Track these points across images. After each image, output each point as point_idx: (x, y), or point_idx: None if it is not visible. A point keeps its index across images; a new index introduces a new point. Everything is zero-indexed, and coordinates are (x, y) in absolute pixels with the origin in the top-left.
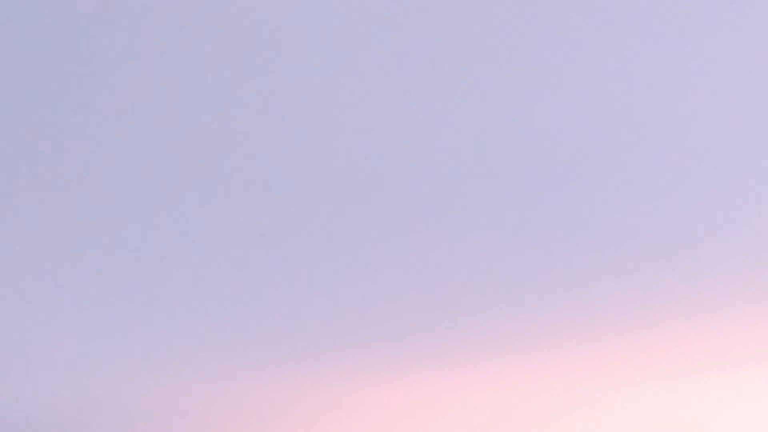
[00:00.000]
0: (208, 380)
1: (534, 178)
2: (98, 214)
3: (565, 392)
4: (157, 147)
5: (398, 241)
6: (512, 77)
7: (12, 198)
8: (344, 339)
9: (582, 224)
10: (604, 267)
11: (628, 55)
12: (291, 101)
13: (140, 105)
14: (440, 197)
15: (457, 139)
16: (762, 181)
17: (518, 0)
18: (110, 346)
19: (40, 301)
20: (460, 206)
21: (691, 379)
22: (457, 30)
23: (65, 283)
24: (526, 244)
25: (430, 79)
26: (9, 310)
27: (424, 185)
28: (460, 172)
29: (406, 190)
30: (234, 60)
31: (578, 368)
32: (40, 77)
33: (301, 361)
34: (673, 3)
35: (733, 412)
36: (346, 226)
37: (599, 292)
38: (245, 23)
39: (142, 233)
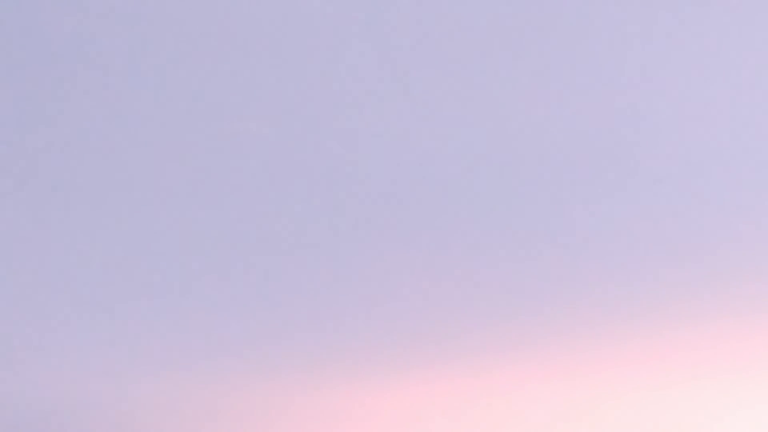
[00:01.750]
0: (207, 382)
1: (537, 183)
2: (99, 215)
3: (566, 396)
4: (160, 149)
5: (398, 244)
6: (513, 81)
7: (12, 199)
8: (344, 342)
9: (585, 230)
10: (606, 272)
11: (633, 59)
12: (294, 103)
13: (140, 107)
14: (443, 201)
15: (460, 142)
16: (765, 189)
17: (520, 3)
18: (109, 347)
19: (40, 302)
20: (462, 210)
21: (693, 383)
22: (458, 32)
23: (65, 284)
24: (527, 248)
25: (431, 82)
26: (8, 311)
27: (428, 190)
28: (461, 176)
29: (410, 194)
30: (235, 62)
31: (579, 373)
32: (39, 79)
33: (300, 364)
34: (677, 8)
35: (734, 416)
36: (346, 229)
37: (600, 298)
38: (245, 24)
39: (142, 235)
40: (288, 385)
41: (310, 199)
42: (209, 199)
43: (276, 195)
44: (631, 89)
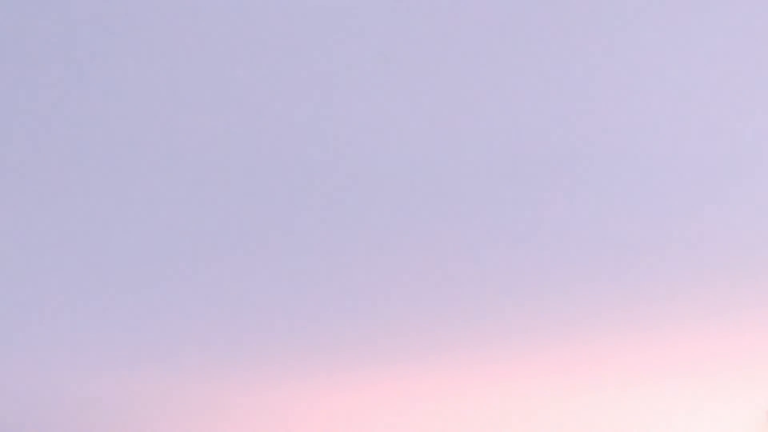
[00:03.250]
0: (189, 379)
1: (525, 181)
2: (92, 212)
3: (549, 393)
4: (154, 146)
5: (380, 242)
6: (509, 80)
7: (9, 197)
8: (325, 338)
9: (570, 228)
10: (590, 272)
11: (624, 61)
12: (290, 99)
13: (136, 103)
14: (428, 197)
15: (452, 139)
16: (748, 192)
17: (516, 3)
18: (94, 344)
19: (35, 301)
20: (447, 206)
21: (677, 380)
22: (454, 30)
23: (60, 283)
24: (511, 246)
25: (427, 80)
26: (3, 310)
27: (413, 185)
28: (449, 171)
29: (394, 190)
30: (229, 58)
31: (562, 370)
32: (34, 76)
33: (282, 360)
34: (669, 10)
35: (722, 415)
36: (326, 226)
37: (584, 296)
38: (239, 20)
39: (130, 233)
40: (273, 380)
41: (295, 200)
42: (200, 198)
43: (265, 193)
44: (630, 98)
